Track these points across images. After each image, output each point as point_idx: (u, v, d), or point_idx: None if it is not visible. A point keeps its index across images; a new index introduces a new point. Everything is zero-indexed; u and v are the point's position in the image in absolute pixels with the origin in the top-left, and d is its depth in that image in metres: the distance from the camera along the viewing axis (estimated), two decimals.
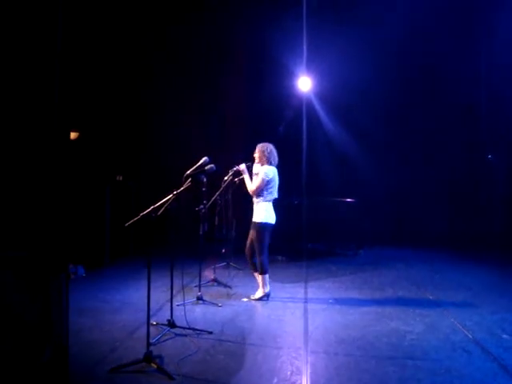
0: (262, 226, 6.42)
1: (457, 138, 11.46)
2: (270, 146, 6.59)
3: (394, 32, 10.57)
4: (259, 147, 6.60)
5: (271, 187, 6.47)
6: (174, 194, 4.82)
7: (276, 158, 6.60)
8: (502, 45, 10.10)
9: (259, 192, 6.43)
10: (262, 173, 6.42)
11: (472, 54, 11.12)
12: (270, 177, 6.43)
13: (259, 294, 6.53)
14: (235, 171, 6.82)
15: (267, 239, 6.51)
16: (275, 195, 6.54)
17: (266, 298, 6.52)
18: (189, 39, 11.25)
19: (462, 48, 10.97)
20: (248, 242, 6.59)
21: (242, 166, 6.64)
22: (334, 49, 10.39)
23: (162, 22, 10.82)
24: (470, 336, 5.04)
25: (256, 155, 6.61)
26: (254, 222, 6.47)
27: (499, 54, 10.26)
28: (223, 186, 7.12)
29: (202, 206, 6.60)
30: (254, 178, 6.52)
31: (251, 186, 6.49)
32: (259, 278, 6.53)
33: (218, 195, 7.29)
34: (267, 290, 6.54)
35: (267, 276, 6.53)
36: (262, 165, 6.50)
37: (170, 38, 11.06)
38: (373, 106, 11.46)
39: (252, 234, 6.52)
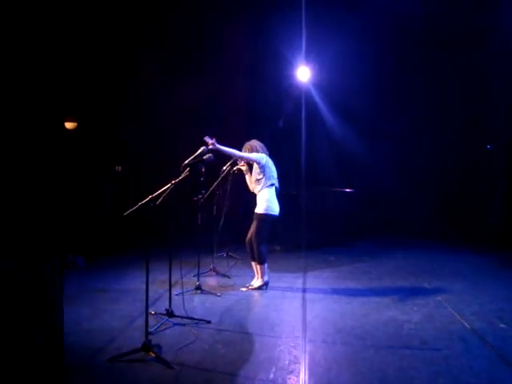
0: (263, 217, 6.42)
1: (456, 128, 11.43)
2: (256, 141, 6.65)
3: (393, 19, 10.54)
4: (246, 144, 6.64)
5: (268, 172, 6.47)
6: (172, 184, 4.82)
7: (265, 151, 6.63)
8: (502, 34, 10.04)
9: (259, 176, 6.46)
10: (255, 154, 6.50)
11: (473, 42, 11.05)
12: (263, 159, 6.46)
13: (258, 283, 6.55)
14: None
15: (266, 230, 6.52)
16: (275, 182, 6.54)
17: (264, 288, 6.53)
18: (187, 28, 11.19)
19: (463, 36, 10.93)
20: (249, 232, 6.59)
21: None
22: (333, 38, 10.36)
23: (160, 8, 10.77)
24: (468, 325, 5.05)
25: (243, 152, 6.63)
26: (256, 213, 6.47)
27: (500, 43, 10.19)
28: (221, 175, 7.11)
29: (200, 196, 6.60)
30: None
31: (239, 153, 6.45)
32: (257, 267, 6.54)
33: (216, 185, 7.28)
34: (266, 279, 6.55)
35: (265, 266, 6.54)
36: None
37: (167, 25, 10.98)
38: (372, 96, 11.41)
39: (253, 223, 6.53)
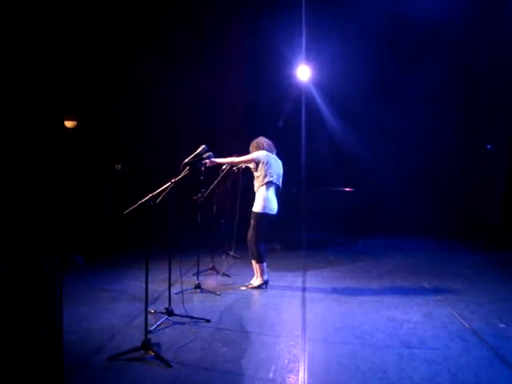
0: (260, 216, 6.40)
1: (456, 128, 11.43)
2: (262, 139, 6.65)
3: (394, 18, 10.56)
4: (253, 142, 6.67)
5: (266, 169, 6.41)
6: (171, 182, 4.82)
7: (272, 148, 6.63)
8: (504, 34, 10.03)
9: (256, 174, 6.44)
10: (254, 153, 6.52)
11: (472, 40, 11.05)
12: (261, 156, 6.43)
13: (257, 282, 6.54)
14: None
15: (263, 229, 6.50)
16: (274, 179, 6.47)
17: (264, 287, 6.53)
18: (186, 27, 11.19)
19: (462, 35, 10.94)
20: (249, 230, 6.58)
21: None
22: (333, 37, 10.36)
23: (160, 8, 10.77)
24: (467, 325, 5.06)
25: (250, 149, 6.66)
26: (253, 211, 6.46)
27: (502, 41, 10.18)
28: (221, 174, 7.11)
29: (199, 195, 6.60)
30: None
31: (237, 159, 6.52)
32: (256, 266, 6.54)
33: (216, 184, 7.27)
34: (265, 278, 6.55)
35: (264, 265, 6.54)
36: None
37: (167, 25, 10.98)
38: (372, 95, 11.41)
39: (251, 222, 6.53)
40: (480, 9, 10.48)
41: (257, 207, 6.41)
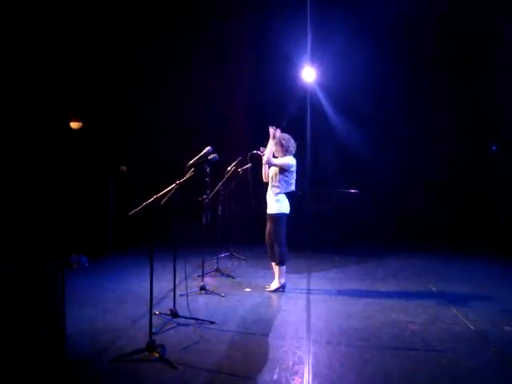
0: (278, 218, 6.36)
1: (460, 130, 11.40)
2: (287, 136, 6.46)
3: (402, 21, 10.53)
4: (282, 140, 6.42)
5: (292, 178, 6.37)
6: (176, 184, 4.82)
7: (295, 148, 6.46)
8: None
9: (281, 179, 6.31)
10: (288, 159, 6.35)
11: (479, 42, 11.02)
12: (293, 165, 6.36)
13: (274, 285, 6.50)
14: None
15: (284, 229, 6.45)
16: (293, 188, 6.47)
17: (281, 290, 6.49)
18: (192, 27, 11.19)
19: (469, 36, 10.90)
20: (267, 231, 6.53)
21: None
22: (338, 37, 10.34)
23: (165, 8, 10.79)
24: (473, 327, 5.04)
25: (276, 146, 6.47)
26: (269, 214, 6.41)
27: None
28: (226, 175, 7.10)
29: (204, 196, 6.60)
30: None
31: (275, 161, 6.30)
32: (276, 268, 6.49)
33: (221, 185, 7.27)
34: (283, 281, 6.51)
35: (284, 267, 6.49)
36: (282, 156, 6.40)
37: (172, 25, 10.99)
38: (378, 97, 11.39)
39: (268, 225, 6.47)
40: (481, 10, 10.46)
41: (273, 209, 6.36)
